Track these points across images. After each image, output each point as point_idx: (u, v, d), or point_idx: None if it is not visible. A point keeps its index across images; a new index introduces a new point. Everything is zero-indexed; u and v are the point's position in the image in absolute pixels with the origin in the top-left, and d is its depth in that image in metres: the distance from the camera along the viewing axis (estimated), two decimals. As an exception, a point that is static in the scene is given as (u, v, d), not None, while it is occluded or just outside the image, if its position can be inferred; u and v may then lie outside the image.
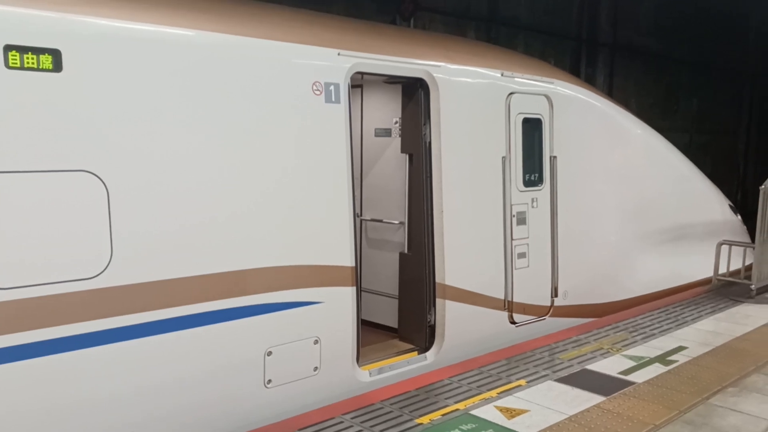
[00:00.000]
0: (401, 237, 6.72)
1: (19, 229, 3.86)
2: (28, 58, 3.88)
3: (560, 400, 5.13)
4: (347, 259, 5.41)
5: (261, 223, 4.91)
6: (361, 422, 4.76)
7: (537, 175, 7.24)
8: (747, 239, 10.75)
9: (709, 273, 9.16)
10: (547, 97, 7.34)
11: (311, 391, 5.25)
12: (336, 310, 5.37)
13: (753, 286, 8.55)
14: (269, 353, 4.97)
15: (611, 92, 16.72)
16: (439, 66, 6.20)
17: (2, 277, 3.81)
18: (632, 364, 5.96)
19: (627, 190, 8.56)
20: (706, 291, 8.93)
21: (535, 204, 7.19)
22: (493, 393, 5.28)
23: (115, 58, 4.21)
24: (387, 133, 7.08)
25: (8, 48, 3.80)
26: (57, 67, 3.98)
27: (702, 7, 19.77)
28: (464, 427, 4.65)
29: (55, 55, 3.97)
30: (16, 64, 3.83)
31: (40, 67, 3.92)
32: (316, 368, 5.27)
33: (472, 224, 6.55)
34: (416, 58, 6.07)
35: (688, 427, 4.72)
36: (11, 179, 3.83)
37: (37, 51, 3.91)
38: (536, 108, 7.21)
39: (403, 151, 6.53)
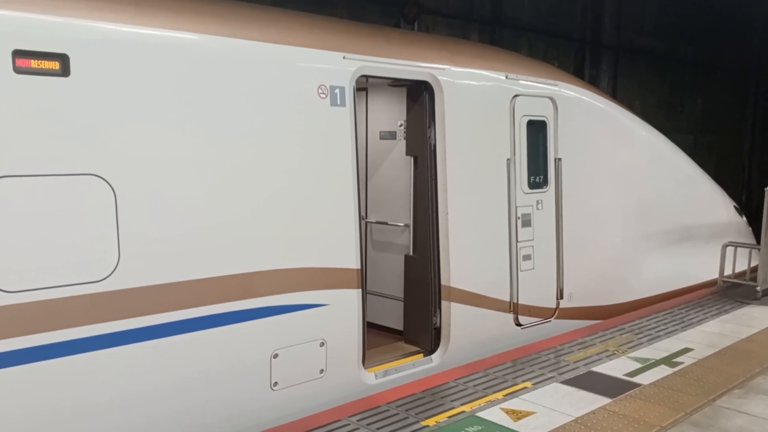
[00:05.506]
0: (406, 239, 6.73)
1: (27, 232, 3.88)
2: (36, 62, 3.90)
3: (566, 402, 5.14)
4: (353, 262, 5.43)
5: (267, 226, 4.93)
6: (367, 424, 4.77)
7: (542, 177, 7.25)
8: (752, 241, 10.74)
9: (714, 275, 9.15)
10: (552, 99, 7.35)
11: (317, 394, 5.27)
12: (342, 312, 5.38)
13: (758, 288, 8.53)
14: (275, 356, 4.98)
15: (615, 93, 16.71)
16: (443, 69, 6.21)
17: (11, 280, 3.84)
18: (638, 365, 5.96)
19: (632, 192, 8.55)
20: (711, 293, 8.91)
21: (540, 206, 7.20)
22: (499, 395, 5.29)
23: (122, 63, 4.24)
24: (392, 135, 7.09)
25: (17, 53, 3.83)
26: (65, 71, 4.00)
27: (706, 7, 19.74)
28: (470, 429, 4.66)
29: (63, 59, 4.00)
30: (25, 68, 3.85)
31: (48, 71, 3.95)
32: (322, 370, 5.28)
33: (477, 226, 6.56)
34: (421, 61, 6.08)
35: (694, 429, 4.72)
36: (19, 183, 3.85)
37: (45, 56, 3.94)
38: (541, 110, 7.21)
39: (408, 153, 6.54)
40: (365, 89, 7.24)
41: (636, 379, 5.62)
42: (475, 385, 5.50)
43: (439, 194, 6.23)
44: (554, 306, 7.43)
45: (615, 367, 5.90)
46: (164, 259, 4.42)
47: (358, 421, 4.82)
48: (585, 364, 5.98)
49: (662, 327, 7.22)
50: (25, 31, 3.88)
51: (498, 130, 6.75)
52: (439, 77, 6.14)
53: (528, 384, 5.52)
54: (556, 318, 7.43)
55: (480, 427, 4.69)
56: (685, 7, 19.00)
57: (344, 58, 5.40)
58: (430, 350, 6.35)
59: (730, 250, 9.04)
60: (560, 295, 7.48)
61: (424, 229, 6.36)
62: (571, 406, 5.06)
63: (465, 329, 6.37)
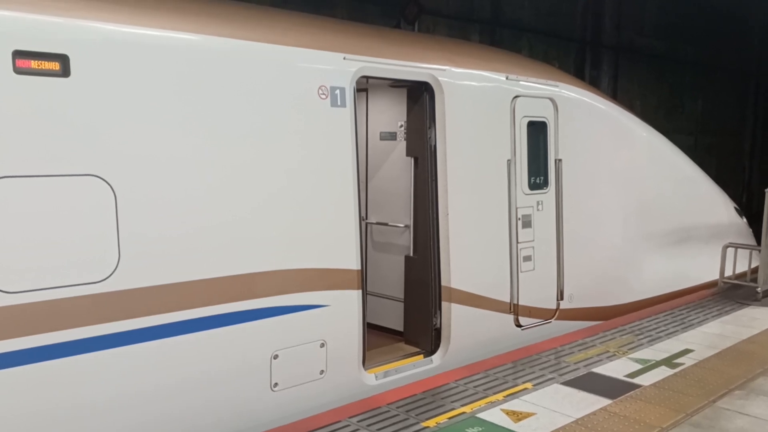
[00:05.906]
0: (407, 240, 6.73)
1: (28, 232, 3.88)
2: (36, 63, 3.90)
3: (566, 403, 5.13)
4: (353, 263, 5.42)
5: (268, 227, 4.92)
6: (368, 425, 4.76)
7: (542, 178, 7.25)
8: (753, 242, 10.73)
9: (714, 276, 9.15)
10: (552, 100, 7.34)
11: (317, 395, 5.26)
12: (342, 313, 5.37)
13: (759, 289, 8.53)
14: (276, 356, 4.98)
15: (616, 94, 16.71)
16: (444, 70, 6.21)
17: (11, 280, 3.83)
18: (639, 366, 5.96)
19: (632, 193, 8.55)
20: (712, 294, 8.91)
21: (540, 207, 7.19)
22: (500, 396, 5.28)
23: (122, 63, 4.23)
24: (392, 136, 7.09)
25: (17, 53, 3.83)
26: (65, 72, 4.00)
27: (706, 7, 19.74)
28: (470, 430, 4.66)
29: (63, 60, 3.99)
30: (25, 69, 3.85)
31: (48, 72, 3.94)
32: (322, 371, 5.28)
33: (478, 227, 6.56)
34: (421, 61, 6.08)
35: (695, 430, 4.71)
36: (19, 184, 3.85)
37: (45, 56, 3.93)
38: (541, 111, 7.21)
39: (408, 154, 6.53)
40: (365, 90, 7.23)
41: (636, 380, 5.61)
42: (475, 386, 5.50)
43: (440, 195, 6.22)
44: (554, 307, 7.43)
45: (615, 368, 5.90)
46: (164, 260, 4.41)
47: (359, 422, 4.82)
48: (585, 365, 5.98)
49: (663, 328, 7.21)
50: (26, 31, 3.88)
51: (498, 131, 6.75)
52: (439, 78, 6.14)
53: (528, 385, 5.51)
54: (556, 319, 7.43)
55: (480, 428, 4.69)
56: (685, 7, 19.00)
57: (345, 58, 5.39)
58: (430, 351, 6.34)
59: (730, 251, 9.04)
60: (560, 296, 7.47)
61: (424, 230, 6.35)
62: (571, 407, 5.06)
63: (465, 330, 6.37)
